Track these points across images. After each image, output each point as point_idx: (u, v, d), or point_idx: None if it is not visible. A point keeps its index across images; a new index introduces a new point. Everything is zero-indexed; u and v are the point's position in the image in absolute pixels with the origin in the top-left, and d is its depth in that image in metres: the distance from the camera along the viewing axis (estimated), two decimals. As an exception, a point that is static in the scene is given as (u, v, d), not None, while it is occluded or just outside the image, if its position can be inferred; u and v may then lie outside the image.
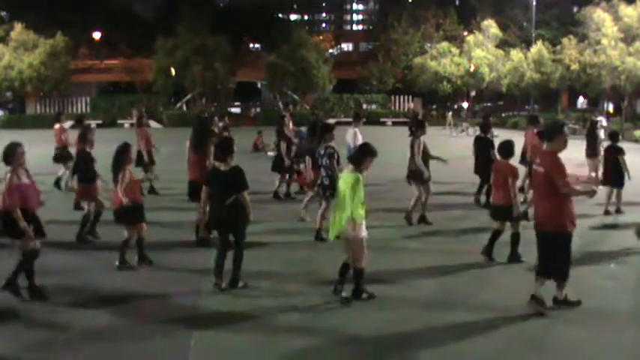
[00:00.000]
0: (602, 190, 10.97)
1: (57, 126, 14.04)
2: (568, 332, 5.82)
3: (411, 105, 48.05)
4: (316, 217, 9.43)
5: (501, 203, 7.92)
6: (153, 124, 41.07)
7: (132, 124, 37.59)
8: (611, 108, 45.42)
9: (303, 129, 13.56)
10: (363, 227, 6.36)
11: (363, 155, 6.54)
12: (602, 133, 16.50)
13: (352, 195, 6.24)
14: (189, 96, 47.42)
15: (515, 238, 7.95)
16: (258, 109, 58.48)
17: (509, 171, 7.90)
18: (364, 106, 47.48)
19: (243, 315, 6.24)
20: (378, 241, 8.70)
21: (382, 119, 44.73)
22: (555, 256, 6.12)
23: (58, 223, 9.34)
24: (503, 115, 47.38)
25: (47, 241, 7.18)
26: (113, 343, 5.64)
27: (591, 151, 13.65)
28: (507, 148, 8.17)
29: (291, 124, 14.64)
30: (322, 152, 9.41)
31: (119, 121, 42.46)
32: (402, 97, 49.25)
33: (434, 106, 49.94)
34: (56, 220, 9.30)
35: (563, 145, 6.23)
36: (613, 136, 11.65)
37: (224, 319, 6.16)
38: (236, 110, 59.56)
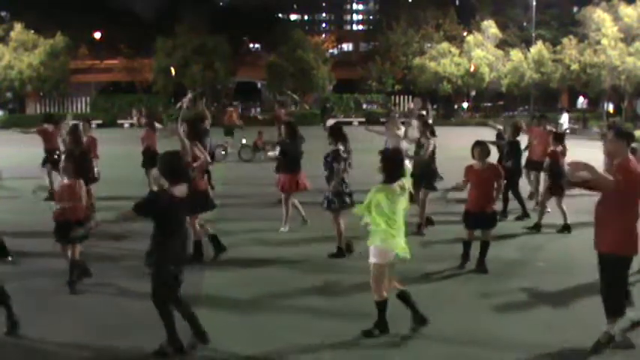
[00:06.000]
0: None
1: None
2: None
3: (411, 105, 47.90)
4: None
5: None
6: (153, 124, 41.03)
7: (132, 124, 37.58)
8: (611, 108, 45.37)
9: None
10: (372, 251, 5.56)
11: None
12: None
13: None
14: (189, 96, 47.32)
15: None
16: (258, 109, 58.33)
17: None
18: (364, 106, 47.44)
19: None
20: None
21: (382, 119, 44.68)
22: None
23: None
24: (503, 115, 47.29)
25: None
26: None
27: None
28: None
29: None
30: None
31: (119, 121, 42.44)
32: (402, 97, 49.18)
33: (434, 107, 49.81)
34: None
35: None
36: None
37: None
38: (235, 110, 59.41)
